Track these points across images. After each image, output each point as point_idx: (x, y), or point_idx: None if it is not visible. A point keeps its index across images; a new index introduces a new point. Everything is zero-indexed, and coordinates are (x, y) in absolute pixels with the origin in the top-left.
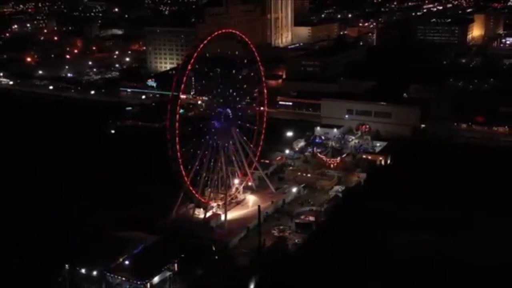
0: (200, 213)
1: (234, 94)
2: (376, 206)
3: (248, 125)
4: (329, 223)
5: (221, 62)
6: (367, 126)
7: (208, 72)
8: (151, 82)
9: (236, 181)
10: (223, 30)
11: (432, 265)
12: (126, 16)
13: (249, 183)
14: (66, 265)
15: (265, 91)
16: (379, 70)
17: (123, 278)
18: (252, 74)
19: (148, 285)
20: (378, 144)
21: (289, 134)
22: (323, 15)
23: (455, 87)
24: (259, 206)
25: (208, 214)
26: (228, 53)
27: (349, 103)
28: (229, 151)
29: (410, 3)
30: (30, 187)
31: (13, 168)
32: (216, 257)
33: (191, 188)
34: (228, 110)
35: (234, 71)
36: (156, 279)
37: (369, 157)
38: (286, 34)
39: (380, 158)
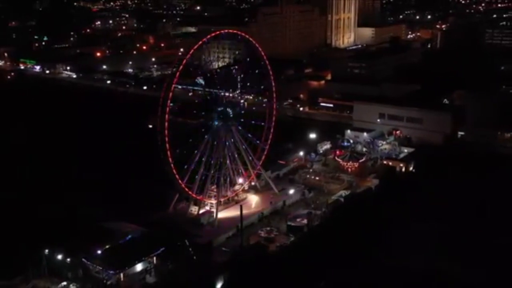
0: (194, 210)
1: (236, 91)
2: (377, 214)
3: (253, 122)
4: (322, 227)
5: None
6: (400, 132)
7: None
8: (199, 80)
9: (241, 180)
10: (224, 31)
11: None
12: (205, 14)
13: (252, 183)
14: (46, 250)
15: (274, 87)
16: (431, 73)
17: (99, 267)
18: (256, 71)
19: (122, 275)
20: (405, 150)
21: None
22: (401, 16)
23: (505, 95)
24: (241, 205)
25: (202, 211)
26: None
27: (381, 107)
28: (230, 150)
29: (499, 5)
30: (45, 175)
31: (37, 156)
32: (192, 253)
33: (182, 185)
34: (228, 109)
35: (235, 69)
36: (134, 270)
37: (390, 163)
38: (349, 35)
39: (401, 165)
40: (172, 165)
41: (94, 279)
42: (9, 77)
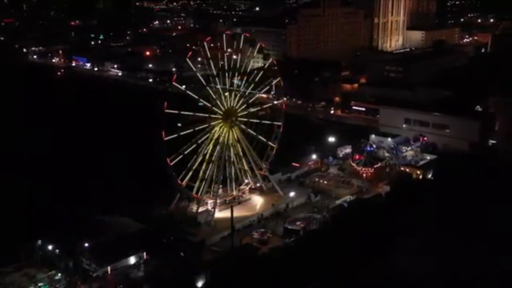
0: (195, 208)
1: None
2: (379, 221)
3: (260, 121)
4: (318, 232)
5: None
6: (426, 138)
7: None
8: (236, 81)
9: (246, 180)
10: (225, 32)
11: None
12: (262, 15)
13: (258, 184)
14: (39, 241)
15: (282, 84)
16: (472, 78)
17: (87, 259)
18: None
19: (108, 268)
20: (428, 158)
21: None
22: (462, 19)
23: None
24: (231, 206)
25: (201, 209)
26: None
27: (407, 112)
28: (235, 150)
29: None
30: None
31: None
32: (180, 250)
33: (179, 183)
34: (232, 109)
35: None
36: (123, 264)
37: (407, 170)
38: (397, 38)
39: (418, 172)
40: (170, 164)
41: (83, 270)
42: (59, 73)
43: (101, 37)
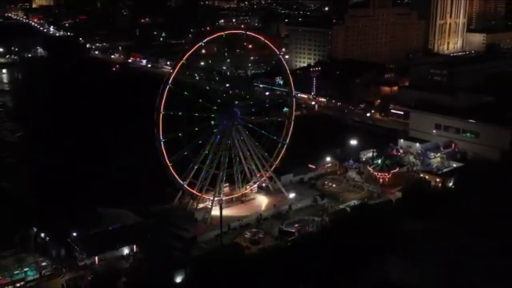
0: (195, 205)
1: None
2: (380, 228)
3: (266, 119)
4: (315, 235)
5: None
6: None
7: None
8: (278, 80)
9: (254, 179)
10: (226, 32)
11: None
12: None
13: (263, 184)
14: (34, 228)
15: (291, 82)
16: None
17: (77, 249)
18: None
19: (96, 258)
20: (454, 165)
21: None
22: None
23: None
24: (220, 204)
25: (200, 206)
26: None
27: (437, 117)
28: (241, 149)
29: None
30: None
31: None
32: (167, 245)
33: (176, 178)
34: (235, 108)
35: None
36: (114, 255)
37: (426, 177)
38: (455, 41)
39: (437, 180)
40: (166, 159)
41: (75, 259)
42: (114, 69)
43: (163, 34)
